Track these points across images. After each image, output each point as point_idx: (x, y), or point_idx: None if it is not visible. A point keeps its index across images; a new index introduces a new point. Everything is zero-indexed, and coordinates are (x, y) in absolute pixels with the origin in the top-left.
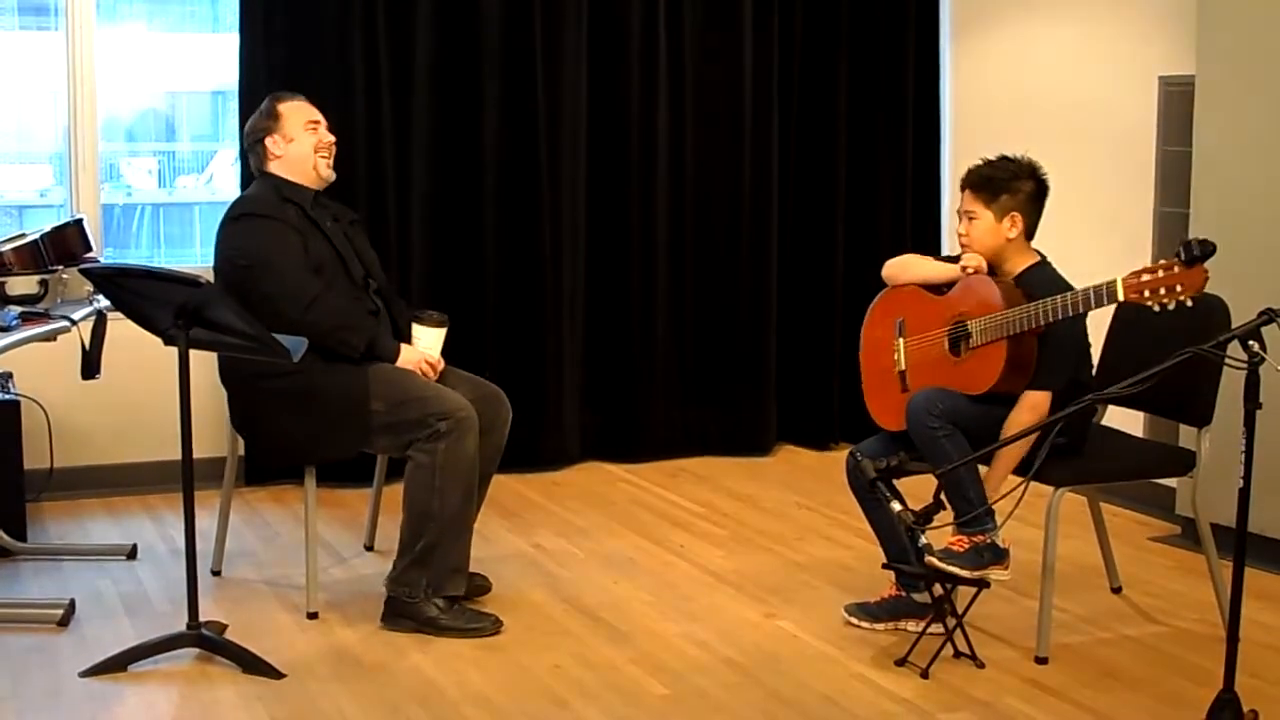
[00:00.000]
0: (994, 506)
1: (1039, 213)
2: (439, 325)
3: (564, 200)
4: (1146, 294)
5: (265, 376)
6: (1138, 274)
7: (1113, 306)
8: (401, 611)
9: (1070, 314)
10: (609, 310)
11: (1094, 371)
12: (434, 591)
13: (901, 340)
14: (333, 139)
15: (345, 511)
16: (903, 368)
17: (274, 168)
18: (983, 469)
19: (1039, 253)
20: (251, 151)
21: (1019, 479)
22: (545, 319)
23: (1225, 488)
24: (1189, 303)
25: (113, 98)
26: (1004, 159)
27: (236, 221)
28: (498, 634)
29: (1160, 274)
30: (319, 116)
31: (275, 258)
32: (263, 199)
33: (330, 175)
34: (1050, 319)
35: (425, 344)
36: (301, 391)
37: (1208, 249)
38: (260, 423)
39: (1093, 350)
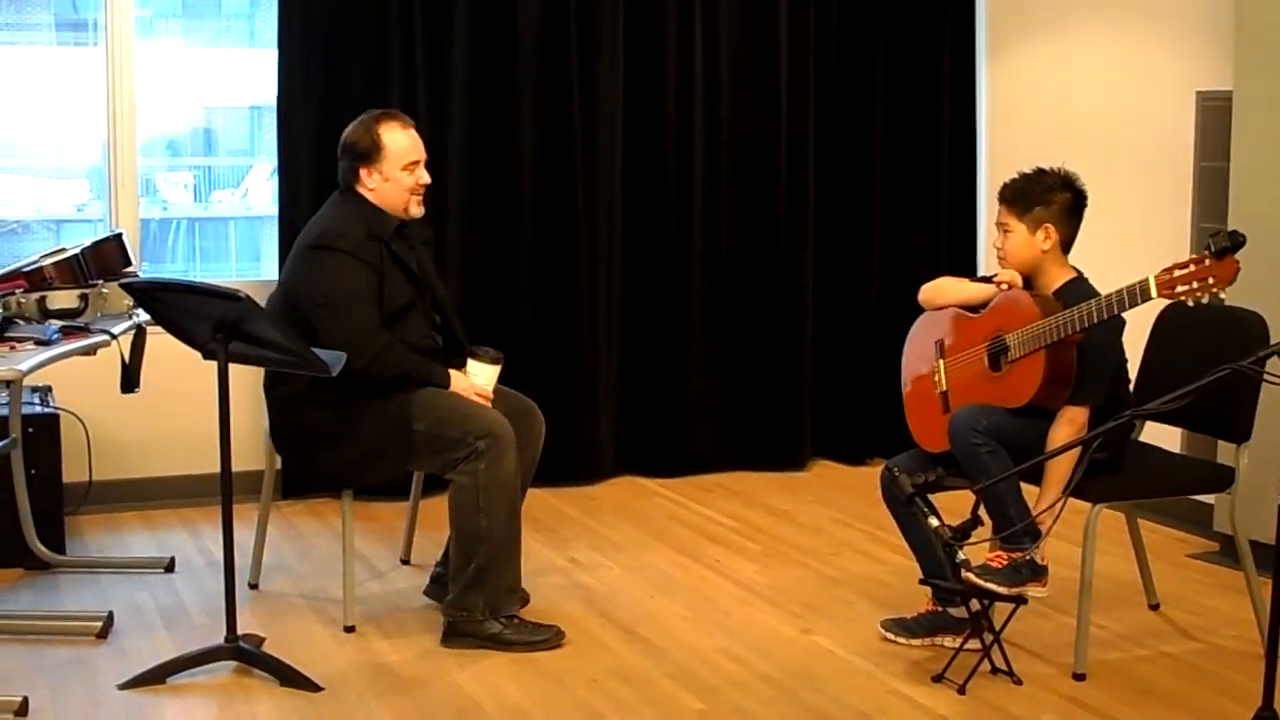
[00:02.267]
0: (1036, 524)
1: (1076, 225)
2: (494, 362)
3: (599, 215)
4: (1179, 289)
5: (308, 403)
6: (1169, 270)
7: (1150, 323)
8: (463, 632)
9: (1106, 316)
10: (644, 325)
11: (1132, 388)
12: (491, 613)
13: (941, 361)
14: (428, 180)
15: (381, 525)
16: (944, 388)
17: (363, 193)
18: (1035, 490)
19: (1075, 269)
20: (343, 164)
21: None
22: (580, 334)
23: (1264, 504)
24: (1222, 295)
25: (150, 113)
26: (1039, 171)
27: (318, 252)
28: (561, 646)
29: (1192, 268)
30: (420, 154)
31: (345, 303)
32: (348, 234)
33: (419, 213)
34: (1087, 323)
35: (480, 380)
36: (344, 420)
37: (1237, 240)
38: (302, 449)
39: (1130, 367)
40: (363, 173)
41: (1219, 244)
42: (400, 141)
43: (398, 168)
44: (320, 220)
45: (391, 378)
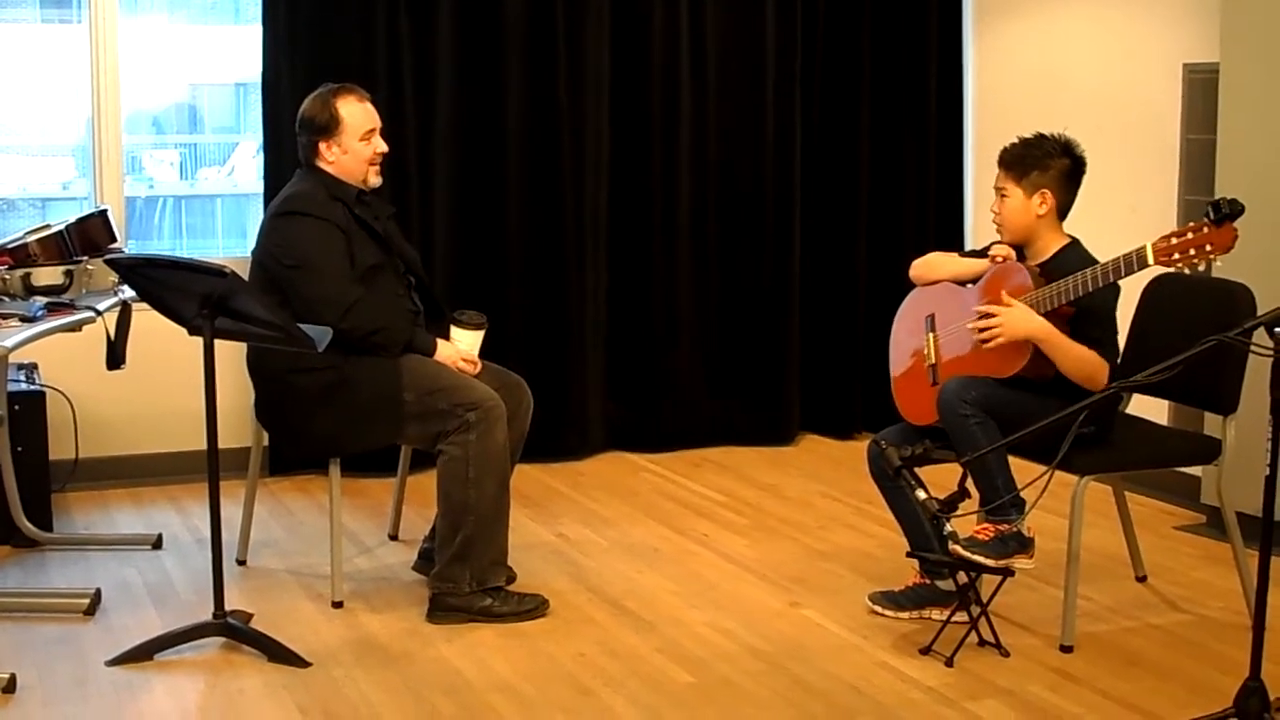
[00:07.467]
0: (1023, 497)
1: (1073, 191)
2: (477, 328)
3: (587, 191)
4: (1176, 256)
5: (297, 371)
6: (1167, 237)
7: (1139, 293)
8: (449, 606)
9: (1102, 284)
10: (632, 300)
11: (1120, 359)
12: (477, 585)
13: (931, 335)
14: (385, 149)
15: (369, 501)
16: (933, 361)
17: (322, 166)
18: (1023, 462)
19: (1070, 235)
20: (302, 139)
21: (1043, 467)
22: (569, 309)
23: (1251, 476)
24: (1219, 262)
25: (135, 90)
26: (1039, 136)
27: (285, 218)
28: (546, 615)
29: (1189, 235)
30: (376, 123)
31: (319, 261)
32: (312, 197)
33: (377, 183)
34: (1081, 292)
35: (464, 346)
36: (334, 385)
37: (1236, 208)
38: (292, 417)
39: (1119, 338)
40: (322, 146)
41: (1219, 211)
42: (356, 113)
43: (355, 139)
44: (284, 193)
45: (372, 332)
